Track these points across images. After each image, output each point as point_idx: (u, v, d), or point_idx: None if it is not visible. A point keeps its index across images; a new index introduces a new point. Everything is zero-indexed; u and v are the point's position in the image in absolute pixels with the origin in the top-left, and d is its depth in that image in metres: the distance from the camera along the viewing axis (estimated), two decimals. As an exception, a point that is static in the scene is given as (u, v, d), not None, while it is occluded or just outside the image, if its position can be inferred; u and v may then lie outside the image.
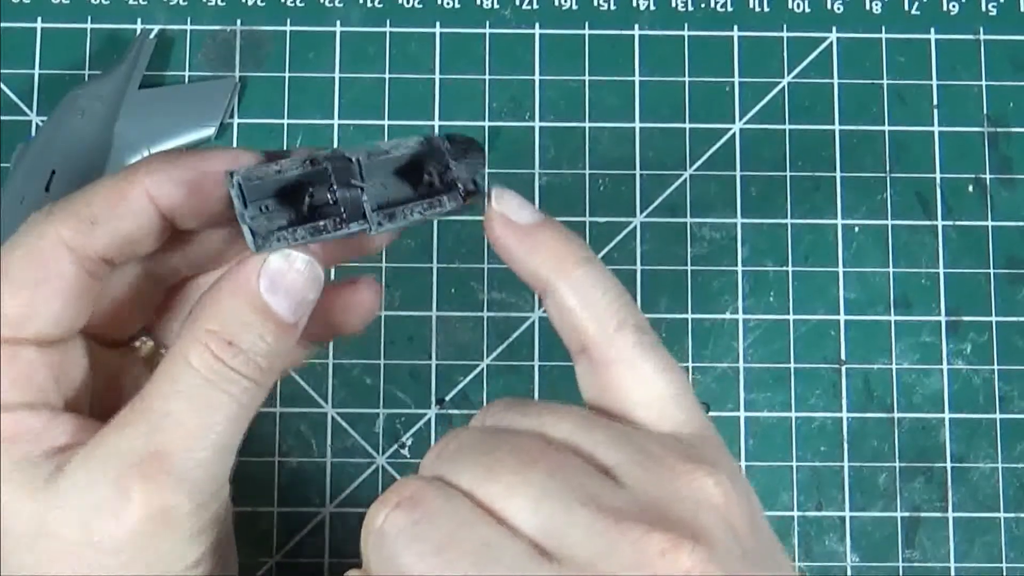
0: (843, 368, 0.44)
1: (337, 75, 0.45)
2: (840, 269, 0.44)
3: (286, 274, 0.27)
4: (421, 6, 0.46)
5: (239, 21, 0.46)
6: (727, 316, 0.44)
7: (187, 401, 0.26)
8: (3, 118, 0.45)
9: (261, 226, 0.27)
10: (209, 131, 0.44)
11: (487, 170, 0.29)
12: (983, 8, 0.46)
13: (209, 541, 0.27)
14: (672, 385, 0.27)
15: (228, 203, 0.27)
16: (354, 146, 0.28)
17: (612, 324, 0.27)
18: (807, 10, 0.46)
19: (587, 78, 0.45)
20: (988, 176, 0.45)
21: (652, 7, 0.46)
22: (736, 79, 0.45)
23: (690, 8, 0.46)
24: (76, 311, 0.27)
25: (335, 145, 0.45)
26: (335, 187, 0.27)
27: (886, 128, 0.45)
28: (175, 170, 0.27)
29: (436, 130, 0.45)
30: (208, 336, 0.26)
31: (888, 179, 0.45)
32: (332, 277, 0.30)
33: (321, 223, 0.27)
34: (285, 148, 0.45)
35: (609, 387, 0.27)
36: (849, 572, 0.43)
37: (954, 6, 0.46)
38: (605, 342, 0.27)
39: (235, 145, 0.45)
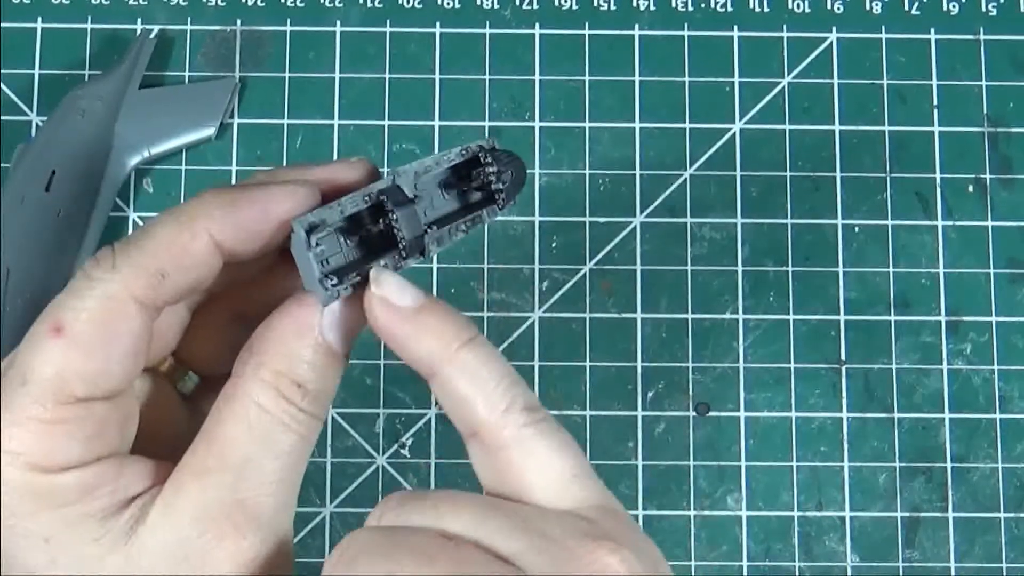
0: (843, 368, 0.44)
1: (337, 75, 0.45)
2: (840, 269, 0.44)
3: (341, 309, 0.27)
4: (421, 6, 0.46)
5: (239, 21, 0.46)
6: (727, 316, 0.44)
7: (261, 445, 0.26)
8: (3, 118, 0.45)
9: (328, 272, 0.27)
10: (209, 131, 0.44)
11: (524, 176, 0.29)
12: (983, 8, 0.46)
13: (286, 574, 0.27)
14: (568, 464, 0.27)
15: (287, 240, 0.27)
16: (405, 167, 0.27)
17: (501, 406, 0.27)
18: (807, 10, 0.46)
19: (587, 78, 0.45)
20: (988, 176, 0.45)
21: (652, 7, 0.46)
22: (736, 79, 0.45)
23: (690, 8, 0.46)
24: (142, 361, 0.27)
25: (334, 147, 0.45)
26: (396, 222, 0.27)
27: (886, 128, 0.45)
28: (237, 214, 0.26)
29: (436, 131, 0.45)
30: (277, 378, 0.26)
31: (888, 179, 0.45)
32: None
33: (383, 263, 0.27)
34: (285, 150, 0.45)
35: (505, 471, 0.27)
36: (849, 572, 0.43)
37: (954, 6, 0.46)
38: (496, 426, 0.27)
39: (235, 145, 0.45)
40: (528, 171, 0.42)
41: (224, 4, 0.46)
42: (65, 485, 0.25)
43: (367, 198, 0.27)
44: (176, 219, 0.26)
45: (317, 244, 0.26)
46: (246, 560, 0.26)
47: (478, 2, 0.46)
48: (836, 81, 0.46)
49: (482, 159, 0.28)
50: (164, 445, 0.31)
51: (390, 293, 0.27)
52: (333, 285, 0.27)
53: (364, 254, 0.28)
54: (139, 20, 0.45)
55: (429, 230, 0.27)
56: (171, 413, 0.32)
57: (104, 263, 0.26)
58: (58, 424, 0.25)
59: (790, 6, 0.46)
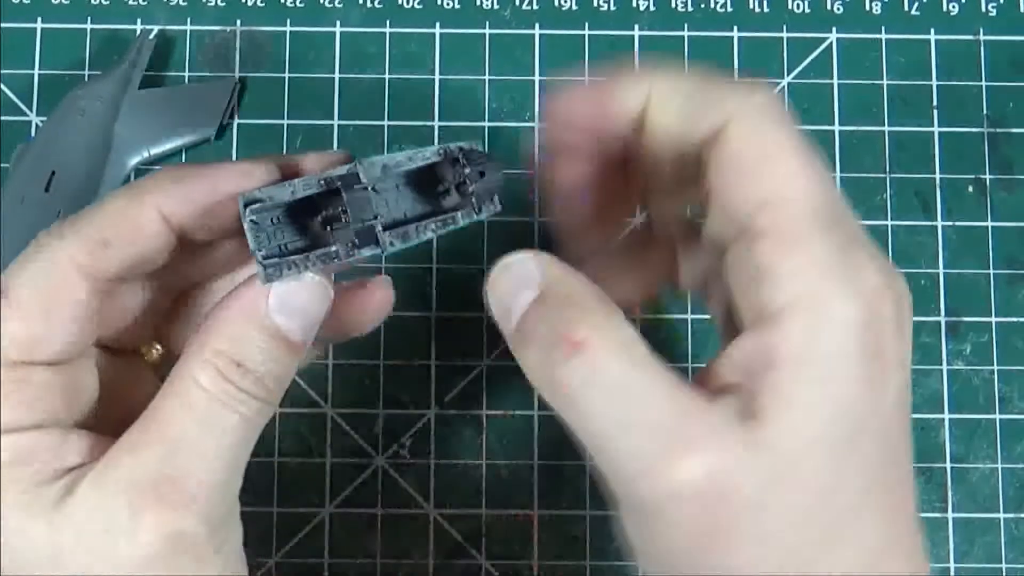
0: (843, 368, 0.44)
1: (337, 75, 0.45)
2: (840, 269, 0.44)
3: (296, 294, 0.27)
4: (421, 6, 0.46)
5: (239, 22, 0.46)
6: (727, 316, 0.44)
7: (198, 423, 0.26)
8: (3, 118, 0.45)
9: (272, 253, 0.27)
10: (209, 131, 0.44)
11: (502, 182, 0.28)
12: (983, 9, 0.46)
13: (222, 562, 0.27)
14: None
15: (240, 220, 0.27)
16: (372, 159, 0.27)
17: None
18: (807, 11, 0.46)
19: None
20: (988, 176, 0.45)
21: (652, 7, 0.46)
22: (736, 79, 0.45)
23: (690, 8, 0.46)
24: (88, 331, 0.27)
25: (334, 147, 0.45)
26: (345, 207, 0.27)
27: (886, 128, 0.45)
28: (186, 189, 0.27)
29: (436, 131, 0.45)
30: (217, 356, 0.26)
31: (888, 179, 0.45)
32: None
33: (333, 249, 0.27)
34: (285, 151, 0.45)
35: None
36: (849, 572, 0.43)
37: (954, 6, 0.46)
38: None
39: (235, 146, 0.45)
40: (529, 171, 0.42)
41: (224, 4, 0.46)
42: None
43: (322, 182, 0.27)
44: (127, 192, 0.27)
45: (255, 220, 0.26)
46: (170, 534, 0.25)
47: (478, 2, 0.46)
48: (836, 81, 0.46)
49: (459, 159, 0.28)
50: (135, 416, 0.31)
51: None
52: (269, 262, 0.26)
53: (314, 236, 0.28)
54: (139, 20, 0.45)
55: (381, 220, 0.27)
56: (144, 384, 0.32)
57: (54, 232, 0.26)
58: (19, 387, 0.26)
59: (790, 6, 0.46)
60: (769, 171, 0.25)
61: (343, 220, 0.27)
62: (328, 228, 0.28)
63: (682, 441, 0.25)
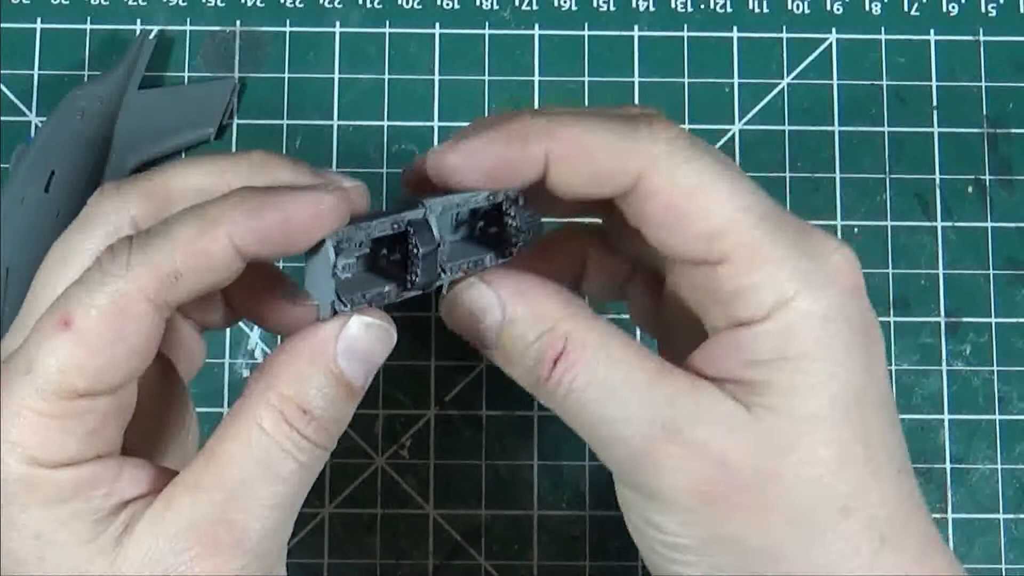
0: (842, 369, 0.44)
1: (337, 76, 0.45)
2: (840, 270, 0.44)
3: (363, 340, 0.27)
4: (421, 7, 0.46)
5: (239, 22, 0.46)
6: (727, 317, 0.44)
7: (259, 468, 0.26)
8: (3, 118, 0.45)
9: (343, 290, 0.26)
10: (209, 131, 0.44)
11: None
12: (983, 9, 0.46)
13: None
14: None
15: (310, 249, 0.26)
16: (434, 200, 0.27)
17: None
18: (807, 11, 0.46)
19: (587, 79, 0.45)
20: (987, 177, 0.45)
21: (652, 8, 0.46)
22: (736, 80, 0.45)
23: (689, 9, 0.46)
24: (149, 358, 0.26)
25: (333, 148, 0.45)
26: (416, 263, 0.27)
27: (886, 129, 0.45)
28: (259, 221, 0.26)
29: (436, 131, 0.45)
30: (283, 402, 0.26)
31: (888, 180, 0.45)
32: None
33: (386, 289, 0.27)
34: (284, 151, 0.45)
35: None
36: (848, 573, 0.43)
37: (954, 7, 0.46)
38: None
39: (235, 146, 0.45)
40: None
41: (224, 4, 0.46)
42: (60, 481, 0.25)
43: (396, 225, 0.27)
44: (198, 220, 0.26)
45: (340, 265, 0.26)
46: None
47: (478, 3, 0.46)
48: (836, 82, 0.46)
49: (504, 209, 0.28)
50: (167, 438, 0.31)
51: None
52: (343, 306, 0.26)
53: (372, 275, 0.28)
54: (139, 21, 0.45)
55: (442, 258, 0.27)
56: (179, 404, 0.31)
57: (119, 258, 0.26)
58: (58, 418, 0.25)
59: (789, 7, 0.46)
60: (703, 209, 0.26)
61: (405, 264, 0.27)
62: (384, 265, 0.28)
63: (674, 423, 0.26)
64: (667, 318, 0.31)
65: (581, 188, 0.27)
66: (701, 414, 0.26)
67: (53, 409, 0.25)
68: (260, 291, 0.31)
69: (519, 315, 0.27)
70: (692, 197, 0.26)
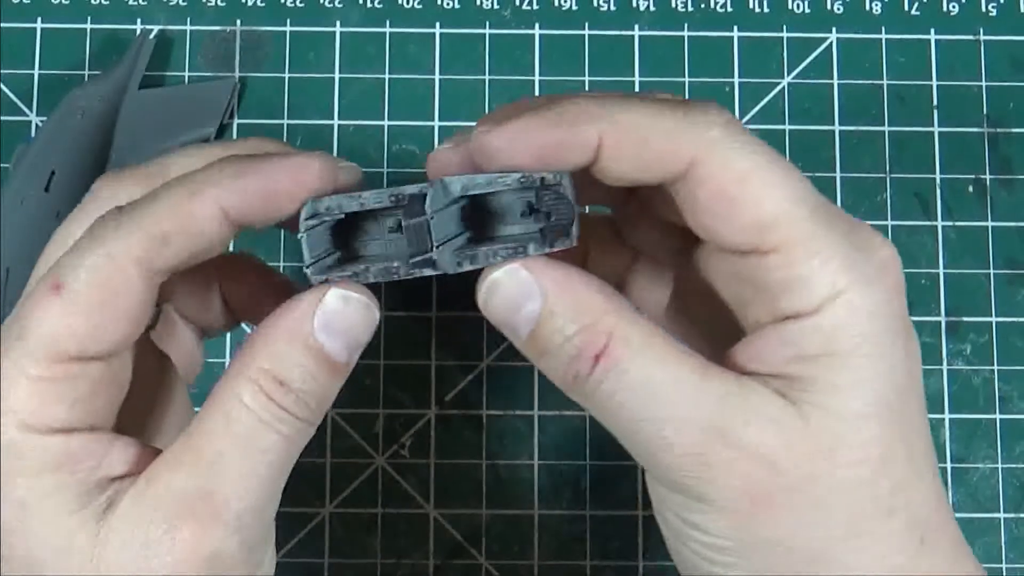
0: (843, 368, 0.44)
1: (337, 75, 0.45)
2: (840, 269, 0.44)
3: (342, 315, 0.27)
4: (421, 6, 0.46)
5: (239, 21, 0.46)
6: (727, 316, 0.44)
7: (238, 441, 0.26)
8: (3, 118, 0.45)
9: (323, 262, 0.26)
10: (209, 131, 0.44)
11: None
12: (983, 9, 0.46)
13: None
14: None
15: (297, 217, 0.26)
16: (451, 179, 0.26)
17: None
18: (807, 11, 0.46)
19: (587, 79, 0.45)
20: (988, 177, 0.45)
21: (652, 8, 0.46)
22: (736, 80, 0.45)
23: (690, 9, 0.46)
24: (140, 325, 0.27)
25: (334, 147, 0.45)
26: (420, 226, 0.26)
27: (886, 128, 0.45)
28: (245, 183, 0.26)
29: (436, 131, 0.45)
30: (261, 375, 0.26)
31: (888, 179, 0.45)
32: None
33: (394, 264, 0.27)
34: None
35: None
36: (849, 572, 0.43)
37: (954, 7, 0.46)
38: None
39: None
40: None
41: (224, 4, 0.46)
42: (50, 448, 0.25)
43: (393, 197, 0.26)
44: (185, 185, 0.26)
45: (310, 228, 0.26)
46: (207, 555, 0.25)
47: (478, 2, 0.46)
48: (836, 81, 0.46)
49: (539, 191, 0.27)
50: (166, 436, 0.31)
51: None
52: (317, 273, 0.26)
53: (372, 253, 0.28)
54: (139, 20, 0.45)
55: (448, 240, 0.26)
56: (178, 403, 0.31)
57: (109, 223, 0.26)
58: (48, 382, 0.25)
59: (790, 6, 0.46)
60: (755, 197, 0.26)
61: (405, 235, 0.27)
62: (384, 242, 0.28)
63: (724, 424, 0.25)
64: (684, 310, 0.31)
65: (632, 173, 0.26)
66: (751, 414, 0.25)
67: (44, 372, 0.25)
68: (258, 292, 0.31)
69: (560, 306, 0.26)
70: (745, 184, 0.26)
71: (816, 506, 0.25)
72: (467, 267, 0.27)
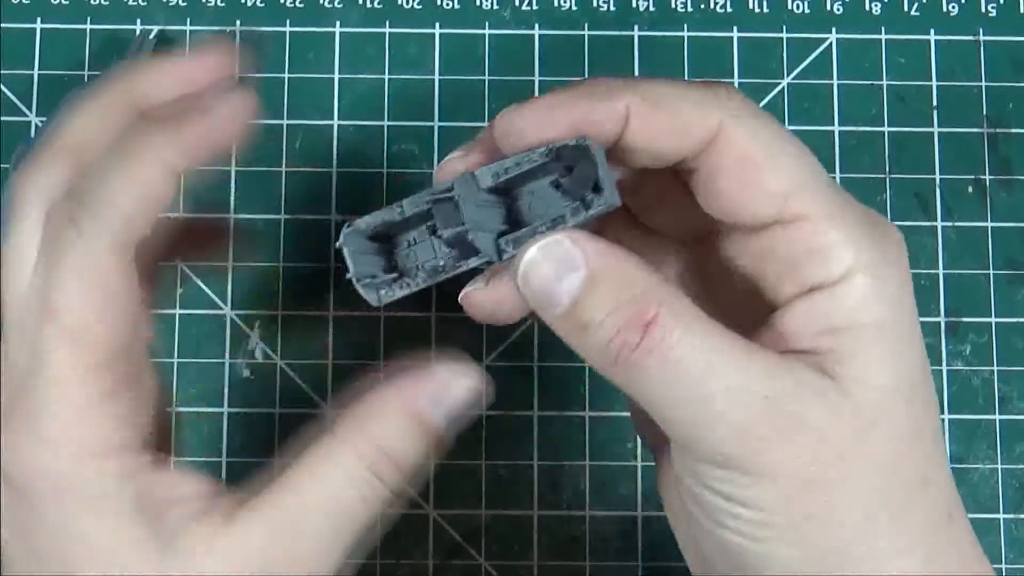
0: (843, 369, 0.44)
1: (337, 76, 0.45)
2: (840, 270, 0.44)
3: (462, 399, 0.27)
4: (421, 7, 0.46)
5: (239, 22, 0.46)
6: (727, 317, 0.44)
7: (337, 520, 0.26)
8: (3, 118, 0.45)
9: (372, 281, 0.26)
10: (209, 131, 0.44)
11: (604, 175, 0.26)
12: (983, 9, 0.46)
13: None
14: None
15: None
16: (481, 170, 0.26)
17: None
18: (807, 11, 0.46)
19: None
20: (987, 177, 0.45)
21: (652, 8, 0.46)
22: (736, 80, 0.45)
23: (689, 9, 0.46)
24: (137, 299, 0.26)
25: (334, 147, 0.45)
26: (439, 229, 0.26)
27: (885, 129, 0.45)
28: (184, 140, 0.26)
29: (436, 131, 0.45)
30: (375, 453, 0.26)
31: (887, 180, 0.45)
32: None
33: (440, 263, 0.26)
34: (284, 151, 0.45)
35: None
36: (849, 573, 0.43)
37: (954, 7, 0.46)
38: None
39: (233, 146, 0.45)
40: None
41: (224, 4, 0.46)
42: (106, 473, 0.25)
43: (429, 201, 0.26)
44: (126, 162, 0.26)
45: (350, 242, 0.26)
46: None
47: (478, 2, 0.46)
48: (835, 82, 0.46)
49: (566, 160, 0.26)
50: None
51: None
52: (365, 286, 0.26)
53: (416, 257, 0.28)
54: (139, 20, 0.45)
55: (477, 235, 0.26)
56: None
57: (67, 230, 0.25)
58: (92, 406, 0.25)
59: (790, 7, 0.46)
60: (779, 165, 0.26)
61: (443, 232, 0.26)
62: (426, 244, 0.27)
63: (772, 400, 0.25)
64: (703, 293, 0.30)
65: (660, 143, 0.26)
66: (797, 387, 0.25)
67: (80, 397, 0.25)
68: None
69: (606, 276, 0.25)
70: (770, 153, 0.26)
71: (863, 477, 0.25)
72: (511, 251, 0.26)
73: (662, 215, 0.30)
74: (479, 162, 0.27)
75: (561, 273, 0.25)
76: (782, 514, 0.25)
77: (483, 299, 0.28)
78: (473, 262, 0.26)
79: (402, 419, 0.26)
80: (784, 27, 0.46)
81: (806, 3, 0.46)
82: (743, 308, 0.28)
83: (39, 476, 0.25)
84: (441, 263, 0.26)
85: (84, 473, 0.25)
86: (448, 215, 0.26)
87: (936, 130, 0.45)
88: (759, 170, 0.26)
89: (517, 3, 0.46)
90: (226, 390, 0.43)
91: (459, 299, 0.28)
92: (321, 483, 0.26)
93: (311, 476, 0.26)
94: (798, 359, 0.26)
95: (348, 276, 0.26)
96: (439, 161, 0.35)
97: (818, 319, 0.26)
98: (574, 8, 0.46)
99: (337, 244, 0.26)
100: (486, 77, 0.45)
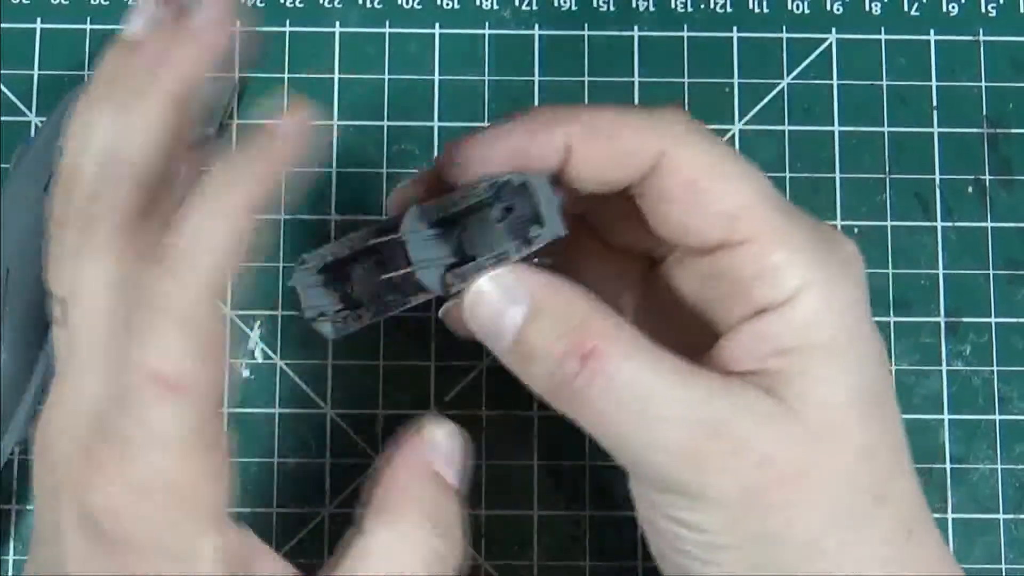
0: (842, 369, 0.44)
1: (336, 76, 0.45)
2: (839, 270, 0.44)
3: (454, 449, 0.28)
4: (420, 7, 0.46)
5: (239, 22, 0.46)
6: (727, 317, 0.44)
7: None
8: (3, 118, 0.45)
9: (323, 317, 0.27)
10: (209, 131, 0.44)
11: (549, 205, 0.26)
12: (983, 9, 0.46)
13: None
14: None
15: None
16: (427, 206, 0.26)
17: None
18: (807, 11, 0.46)
19: (587, 79, 0.45)
20: (988, 177, 0.45)
21: (652, 8, 0.46)
22: (735, 80, 0.45)
23: (689, 9, 0.46)
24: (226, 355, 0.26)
25: (333, 147, 0.45)
26: (388, 270, 0.27)
27: (885, 129, 0.45)
28: (265, 171, 0.26)
29: (436, 131, 0.45)
30: (426, 521, 0.27)
31: (888, 180, 0.45)
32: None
33: (390, 298, 0.27)
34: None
35: None
36: (848, 573, 0.43)
37: (954, 7, 0.46)
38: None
39: (234, 146, 0.45)
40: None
41: (224, 5, 0.46)
42: (206, 538, 0.24)
43: (376, 232, 0.27)
44: (216, 202, 0.25)
45: (301, 279, 0.27)
46: None
47: (478, 2, 0.46)
48: (835, 82, 0.46)
49: (508, 194, 0.27)
50: None
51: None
52: (315, 321, 0.27)
53: (365, 291, 0.28)
54: (139, 21, 0.45)
55: (422, 271, 0.27)
56: None
57: (164, 278, 0.24)
58: (193, 461, 0.24)
59: (789, 7, 0.46)
60: (724, 189, 0.26)
61: (389, 269, 0.27)
62: (372, 278, 0.28)
63: (716, 421, 0.25)
64: (661, 313, 0.31)
65: (603, 171, 0.27)
66: (739, 410, 0.25)
67: (183, 451, 0.23)
68: None
69: (547, 308, 0.26)
70: (714, 176, 0.26)
71: (810, 497, 0.25)
72: (458, 285, 0.27)
73: (621, 234, 0.30)
74: (425, 195, 0.28)
75: (505, 306, 0.26)
76: (728, 536, 0.25)
77: (460, 317, 0.29)
78: (421, 298, 0.27)
79: (432, 491, 0.27)
80: (784, 27, 0.46)
81: (806, 3, 0.46)
82: (696, 330, 0.28)
83: (138, 526, 0.24)
84: (390, 298, 0.27)
85: (183, 534, 0.24)
86: (395, 255, 0.27)
87: (936, 130, 0.45)
88: (704, 193, 0.26)
89: (517, 3, 0.46)
90: (226, 390, 0.43)
91: (439, 315, 0.28)
92: (390, 565, 0.26)
93: (378, 561, 0.26)
94: (746, 381, 0.26)
95: (301, 314, 0.27)
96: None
97: (767, 341, 0.26)
98: (574, 8, 0.46)
99: (289, 283, 0.27)
100: (486, 77, 0.45)
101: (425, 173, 0.29)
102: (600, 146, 0.26)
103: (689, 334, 0.29)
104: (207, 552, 0.24)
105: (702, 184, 0.26)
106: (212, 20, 0.26)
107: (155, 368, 0.23)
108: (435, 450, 0.27)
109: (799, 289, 0.26)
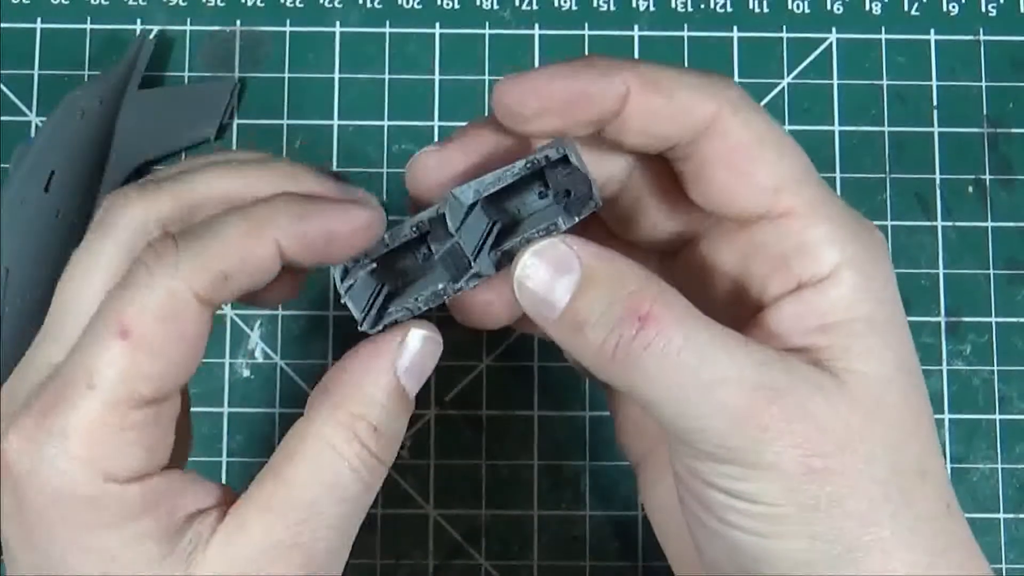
0: (843, 369, 0.44)
1: (337, 76, 0.45)
2: (840, 270, 0.44)
3: (420, 353, 0.27)
4: (421, 7, 0.46)
5: (238, 22, 0.46)
6: (727, 317, 0.44)
7: (329, 490, 0.26)
8: (3, 118, 0.45)
9: (370, 306, 0.27)
10: (209, 131, 0.44)
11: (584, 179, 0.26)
12: (983, 9, 0.46)
13: None
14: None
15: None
16: (462, 188, 0.26)
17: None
18: (807, 11, 0.46)
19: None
20: (987, 177, 0.45)
21: (652, 8, 0.46)
22: (736, 80, 0.45)
23: (690, 9, 0.46)
24: (201, 356, 0.26)
25: (333, 148, 0.45)
26: (439, 259, 0.27)
27: (886, 129, 0.45)
28: (306, 228, 0.26)
29: (436, 131, 0.45)
30: (354, 421, 0.26)
31: (888, 180, 0.45)
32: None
33: (440, 287, 0.27)
34: (284, 151, 0.45)
35: None
36: (849, 573, 0.43)
37: (954, 7, 0.46)
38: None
39: (234, 146, 0.45)
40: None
41: (223, 4, 0.46)
42: (130, 497, 0.25)
43: (414, 228, 0.27)
44: (245, 221, 0.26)
45: (348, 288, 0.26)
46: None
47: (478, 2, 0.46)
48: (836, 82, 0.46)
49: (547, 170, 0.27)
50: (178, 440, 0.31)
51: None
52: (371, 327, 0.27)
53: (411, 281, 0.28)
54: (138, 21, 0.45)
55: (474, 259, 0.26)
56: (185, 405, 0.31)
57: (166, 259, 0.25)
58: (127, 430, 0.24)
59: (790, 7, 0.46)
60: (771, 158, 0.26)
61: (439, 260, 0.27)
62: (422, 268, 0.28)
63: (773, 388, 0.25)
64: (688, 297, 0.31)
65: (657, 124, 0.26)
66: (795, 378, 0.25)
67: (122, 421, 0.24)
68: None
69: (601, 275, 0.26)
70: (764, 145, 0.26)
71: (862, 469, 0.25)
72: (506, 263, 0.27)
73: (638, 226, 0.30)
74: (453, 158, 0.27)
75: (556, 276, 0.26)
76: (786, 506, 0.25)
77: (471, 303, 0.28)
78: (472, 281, 0.27)
79: (373, 385, 0.26)
80: (784, 27, 0.46)
81: (806, 3, 0.46)
82: (723, 315, 0.28)
83: (57, 491, 0.24)
84: (440, 286, 0.27)
85: (111, 495, 0.24)
86: (438, 235, 0.27)
87: (936, 130, 0.45)
88: (752, 161, 0.26)
89: (517, 3, 0.46)
90: (226, 390, 0.43)
91: (447, 304, 0.28)
92: (309, 461, 0.26)
93: (300, 457, 0.26)
94: (796, 355, 0.26)
95: (358, 324, 0.27)
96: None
97: (809, 316, 0.26)
98: (574, 8, 0.46)
99: (342, 301, 0.27)
100: (486, 77, 0.45)
101: (452, 138, 0.28)
102: (657, 99, 0.26)
103: (725, 308, 0.28)
104: (135, 511, 0.25)
105: (751, 151, 0.26)
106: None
107: (123, 328, 0.24)
108: (404, 355, 0.27)
109: (839, 265, 0.26)
